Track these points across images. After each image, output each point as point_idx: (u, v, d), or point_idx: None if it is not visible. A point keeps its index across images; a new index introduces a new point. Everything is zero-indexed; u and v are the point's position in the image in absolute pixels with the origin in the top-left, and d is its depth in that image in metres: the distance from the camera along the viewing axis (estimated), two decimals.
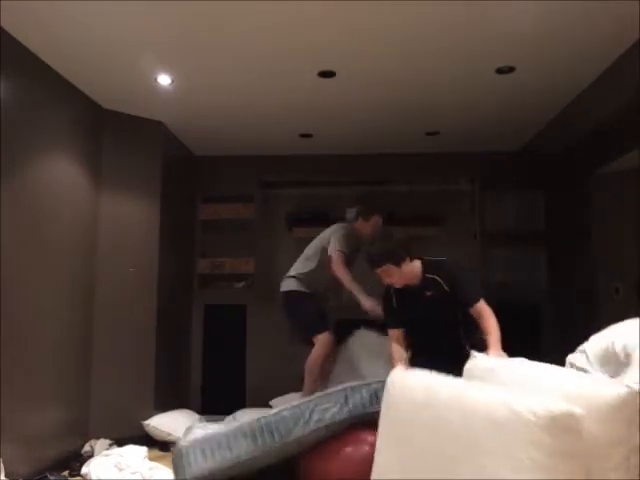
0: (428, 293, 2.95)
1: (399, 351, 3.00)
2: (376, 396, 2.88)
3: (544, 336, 5.03)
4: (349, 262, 3.88)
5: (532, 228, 5.32)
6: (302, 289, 3.94)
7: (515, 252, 5.31)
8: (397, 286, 2.99)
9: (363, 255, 3.89)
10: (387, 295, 3.13)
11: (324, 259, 3.90)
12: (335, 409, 2.87)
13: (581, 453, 1.50)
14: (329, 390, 2.98)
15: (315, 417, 2.85)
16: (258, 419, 2.85)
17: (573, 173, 4.74)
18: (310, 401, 2.94)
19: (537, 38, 3.18)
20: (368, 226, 3.96)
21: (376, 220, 3.97)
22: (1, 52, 3.03)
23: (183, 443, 2.84)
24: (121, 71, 3.63)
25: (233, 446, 2.80)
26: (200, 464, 2.77)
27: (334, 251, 3.81)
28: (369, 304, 3.57)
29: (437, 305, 2.94)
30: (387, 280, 2.97)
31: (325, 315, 3.94)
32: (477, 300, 2.85)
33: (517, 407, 1.55)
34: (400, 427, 2.09)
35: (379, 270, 2.92)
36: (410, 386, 2.12)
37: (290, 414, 2.87)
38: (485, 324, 2.78)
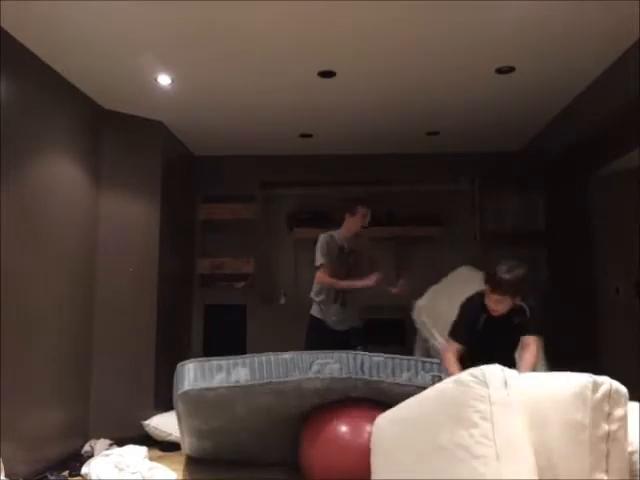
0: (515, 322, 2.90)
1: (456, 364, 2.88)
2: (377, 367, 2.94)
3: (544, 336, 5.01)
4: (340, 266, 3.86)
5: (532, 228, 5.32)
6: (315, 314, 3.95)
7: (515, 252, 5.28)
8: (496, 314, 2.88)
9: (359, 257, 3.92)
10: (474, 310, 2.97)
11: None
12: (335, 366, 2.93)
13: (518, 403, 1.84)
14: (334, 351, 3.04)
15: (314, 368, 2.93)
16: (260, 355, 2.96)
17: (573, 173, 4.74)
18: (312, 353, 3.02)
19: (537, 38, 3.18)
20: (357, 219, 3.92)
21: (362, 211, 3.92)
22: (1, 52, 3.03)
23: (185, 362, 2.98)
24: (121, 71, 3.63)
25: (232, 372, 2.90)
26: (198, 382, 2.90)
27: (316, 266, 3.85)
28: (371, 280, 3.64)
29: (515, 332, 2.92)
30: (495, 306, 2.85)
31: (320, 347, 3.87)
32: (536, 333, 2.89)
33: (459, 377, 1.97)
34: (383, 453, 2.40)
35: (498, 297, 2.81)
36: (386, 417, 2.52)
37: (290, 358, 2.98)
38: (527, 353, 2.82)
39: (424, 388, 2.84)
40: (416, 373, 3.02)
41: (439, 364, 3.09)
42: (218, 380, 2.89)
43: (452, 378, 2.06)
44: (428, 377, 3.00)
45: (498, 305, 2.84)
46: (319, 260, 3.85)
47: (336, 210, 4.16)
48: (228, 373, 2.90)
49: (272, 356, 2.98)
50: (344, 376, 2.93)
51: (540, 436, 1.81)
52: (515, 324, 2.90)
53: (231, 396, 2.91)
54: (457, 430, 1.83)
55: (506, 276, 2.79)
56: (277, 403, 2.99)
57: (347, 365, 2.96)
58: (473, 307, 2.98)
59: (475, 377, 1.86)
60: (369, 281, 3.73)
